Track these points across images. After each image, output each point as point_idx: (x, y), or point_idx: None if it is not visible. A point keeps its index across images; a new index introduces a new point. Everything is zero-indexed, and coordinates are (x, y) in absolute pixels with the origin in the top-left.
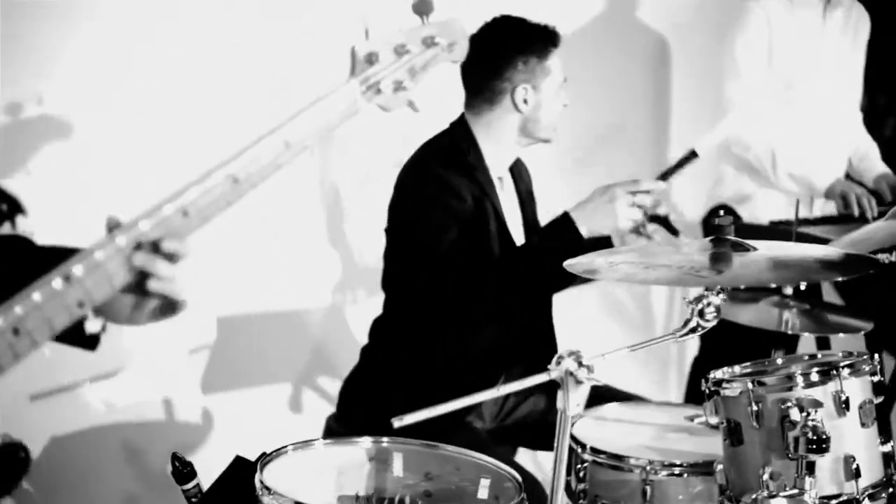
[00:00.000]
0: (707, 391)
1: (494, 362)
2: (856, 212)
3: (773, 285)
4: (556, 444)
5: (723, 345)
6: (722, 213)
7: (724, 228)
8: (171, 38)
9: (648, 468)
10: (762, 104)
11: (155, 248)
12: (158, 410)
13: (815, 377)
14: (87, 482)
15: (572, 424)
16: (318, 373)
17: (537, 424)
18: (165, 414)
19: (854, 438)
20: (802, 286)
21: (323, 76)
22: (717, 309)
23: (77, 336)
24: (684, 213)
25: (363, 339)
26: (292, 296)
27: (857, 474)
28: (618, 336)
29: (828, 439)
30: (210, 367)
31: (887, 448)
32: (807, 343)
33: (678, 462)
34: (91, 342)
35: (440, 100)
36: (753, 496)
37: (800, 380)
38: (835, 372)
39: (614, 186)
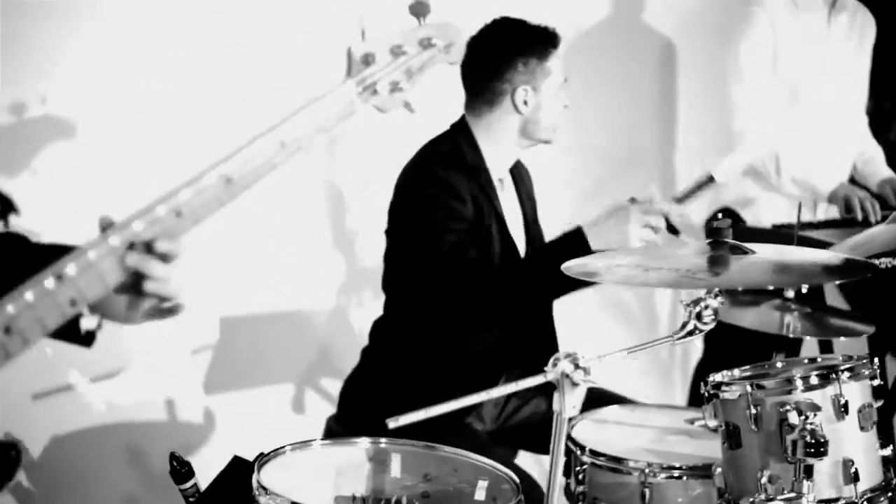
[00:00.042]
0: (706, 394)
1: (494, 364)
2: (859, 216)
3: (771, 288)
4: (552, 446)
5: (726, 348)
6: (721, 216)
7: (722, 231)
8: (170, 39)
9: (647, 471)
10: (766, 108)
11: (148, 248)
12: (160, 410)
13: (814, 381)
14: (87, 482)
15: (572, 427)
16: (322, 374)
17: (539, 427)
18: (167, 414)
19: (853, 442)
20: (804, 289)
21: (322, 76)
22: (715, 312)
23: (73, 333)
24: (688, 216)
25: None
26: (296, 297)
27: (855, 478)
28: (621, 337)
29: (826, 443)
30: (212, 368)
31: (887, 452)
32: (811, 347)
33: (677, 465)
34: (87, 339)
35: (444, 101)
36: (751, 499)
37: (799, 383)
38: (834, 376)
39: (630, 207)
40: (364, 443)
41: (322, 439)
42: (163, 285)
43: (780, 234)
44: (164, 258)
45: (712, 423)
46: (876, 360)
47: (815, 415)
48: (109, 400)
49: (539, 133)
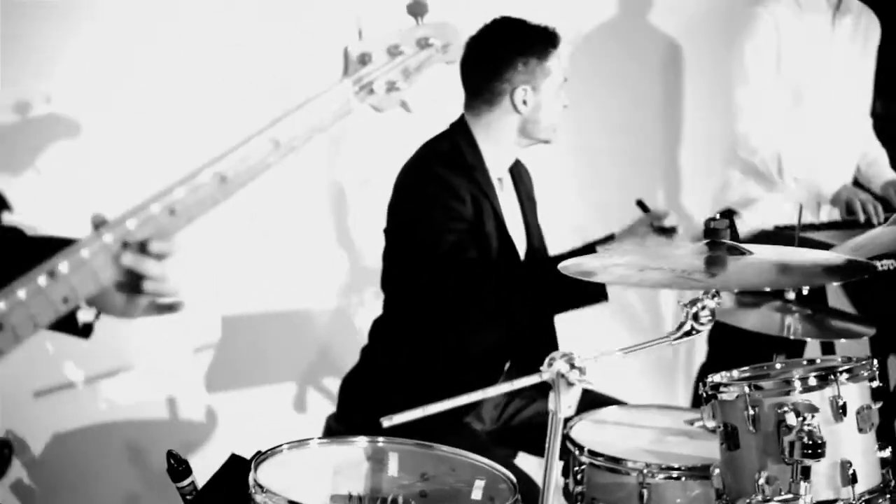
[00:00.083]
0: (705, 395)
1: (494, 363)
2: (861, 218)
3: (768, 289)
4: (547, 446)
5: (730, 351)
6: (718, 216)
7: (720, 232)
8: (169, 38)
9: (645, 471)
10: (770, 110)
11: (142, 248)
12: (162, 409)
13: (812, 382)
14: (89, 480)
15: (571, 427)
16: (324, 373)
17: (541, 429)
18: (169, 413)
19: (851, 444)
20: (805, 291)
21: (322, 76)
22: (712, 312)
23: (71, 325)
24: (692, 217)
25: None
26: (298, 296)
27: (853, 479)
28: (624, 338)
29: (823, 444)
30: (214, 366)
31: (886, 453)
32: (814, 348)
33: (676, 465)
34: (85, 331)
35: (447, 99)
36: (748, 500)
37: (797, 384)
38: (832, 377)
39: (641, 226)
40: (362, 442)
41: (319, 438)
42: (160, 284)
43: (782, 236)
44: (159, 257)
45: (711, 423)
46: (875, 361)
47: (812, 416)
48: (111, 398)
49: (538, 133)
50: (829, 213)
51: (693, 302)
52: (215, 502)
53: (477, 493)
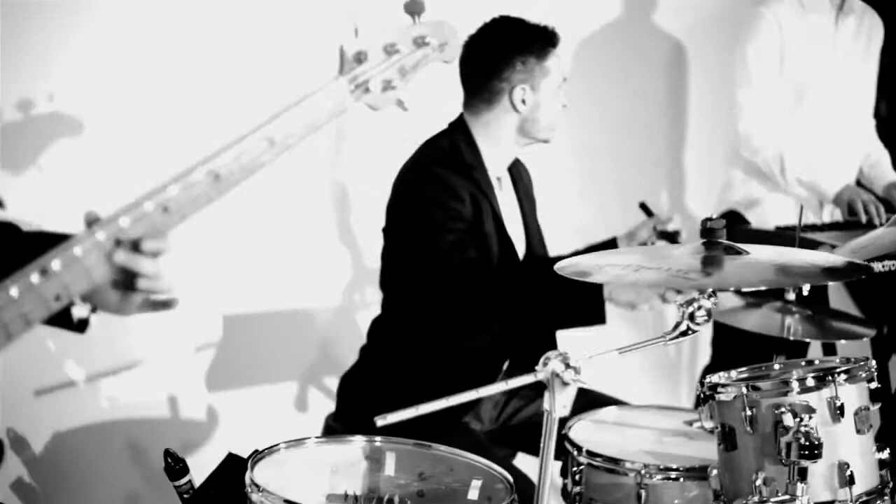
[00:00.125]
0: (702, 395)
1: (492, 363)
2: (863, 218)
3: (763, 288)
4: (542, 445)
5: (734, 352)
6: (714, 216)
7: (716, 231)
8: (167, 37)
9: (643, 472)
10: (772, 110)
11: (135, 246)
12: (163, 408)
13: (810, 383)
14: (90, 478)
15: (569, 427)
16: (325, 372)
17: (539, 429)
18: (170, 411)
19: (849, 445)
20: (805, 292)
21: (318, 74)
22: (708, 312)
23: (66, 320)
24: (697, 219)
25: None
26: (300, 295)
27: (851, 481)
28: (627, 338)
29: (820, 445)
30: (216, 366)
31: (884, 455)
32: (817, 350)
33: (674, 466)
34: (80, 326)
35: (451, 98)
36: (745, 501)
37: (795, 385)
38: (830, 378)
39: (643, 229)
40: (359, 441)
41: (317, 437)
42: (154, 282)
43: (784, 237)
44: (153, 255)
45: (709, 424)
46: (873, 362)
47: (809, 417)
48: (112, 397)
49: (537, 132)
50: (832, 214)
51: (689, 302)
52: (212, 501)
53: (473, 493)
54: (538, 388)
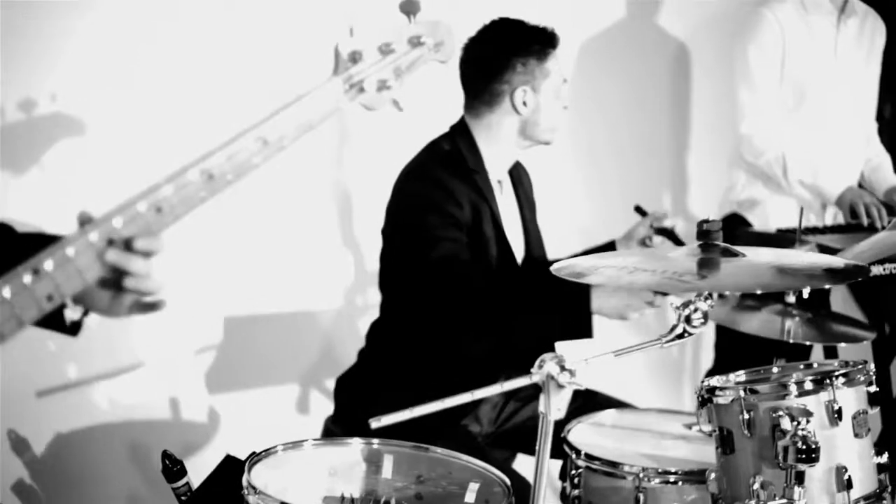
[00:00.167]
0: (701, 398)
1: (491, 367)
2: (864, 221)
3: (759, 292)
4: (537, 447)
5: (736, 355)
6: (711, 218)
7: (712, 234)
8: (163, 37)
9: (642, 475)
10: (774, 111)
11: (127, 245)
12: (164, 410)
13: (808, 386)
14: (91, 480)
15: (568, 431)
16: (327, 375)
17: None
18: (171, 413)
19: (847, 449)
20: (805, 294)
21: (314, 74)
22: (705, 315)
23: (59, 323)
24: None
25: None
26: (303, 297)
27: (848, 485)
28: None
29: (817, 449)
30: (217, 368)
31: (882, 459)
32: (820, 353)
33: (672, 470)
34: (73, 329)
35: (453, 99)
36: None
37: (793, 388)
38: (828, 381)
39: (640, 228)
40: (357, 443)
41: (314, 439)
42: (143, 281)
43: (785, 239)
44: (144, 255)
45: (707, 427)
46: (872, 365)
47: (807, 421)
48: (113, 398)
49: (539, 134)
50: (835, 216)
51: (685, 304)
52: (209, 503)
53: (471, 496)
54: (536, 390)
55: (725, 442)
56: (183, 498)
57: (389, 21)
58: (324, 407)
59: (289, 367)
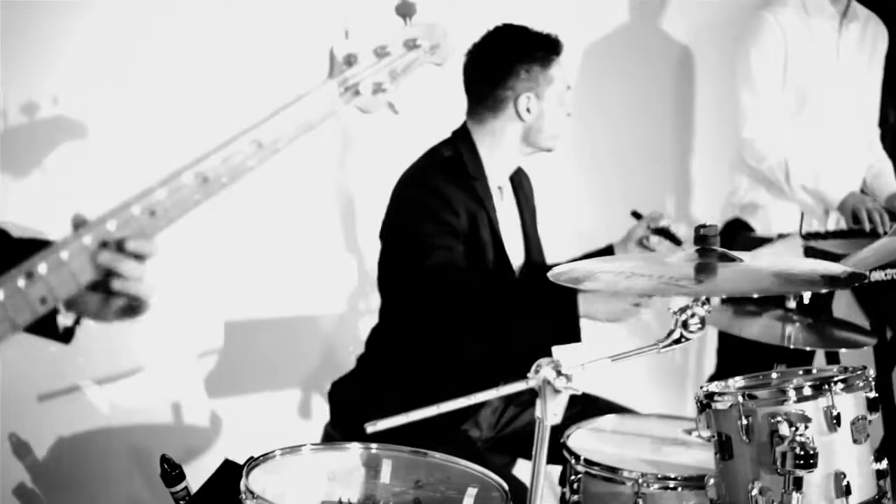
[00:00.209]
0: (700, 404)
1: (488, 372)
2: (867, 226)
3: (755, 296)
4: (534, 452)
5: (738, 360)
6: (707, 223)
7: (709, 238)
8: (161, 40)
9: (641, 481)
10: (776, 115)
11: (120, 247)
12: (166, 414)
13: (806, 392)
14: (92, 484)
15: (568, 436)
16: (329, 379)
17: None
18: (173, 417)
19: (845, 455)
20: (806, 300)
21: (311, 76)
22: (702, 320)
23: (52, 330)
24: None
25: None
26: (306, 301)
27: (847, 491)
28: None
29: (815, 455)
30: (219, 372)
31: (881, 465)
32: (822, 358)
33: (672, 475)
34: (65, 336)
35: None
36: None
37: (792, 394)
38: (827, 387)
39: (638, 230)
40: (356, 448)
41: (313, 444)
42: (132, 284)
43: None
44: (137, 257)
45: (706, 433)
46: (871, 371)
47: (805, 426)
48: (115, 402)
49: (542, 141)
50: (838, 222)
51: (682, 309)
52: None
53: (469, 501)
54: (534, 395)
55: (724, 447)
56: (182, 502)
57: (385, 24)
58: (326, 412)
59: (291, 371)
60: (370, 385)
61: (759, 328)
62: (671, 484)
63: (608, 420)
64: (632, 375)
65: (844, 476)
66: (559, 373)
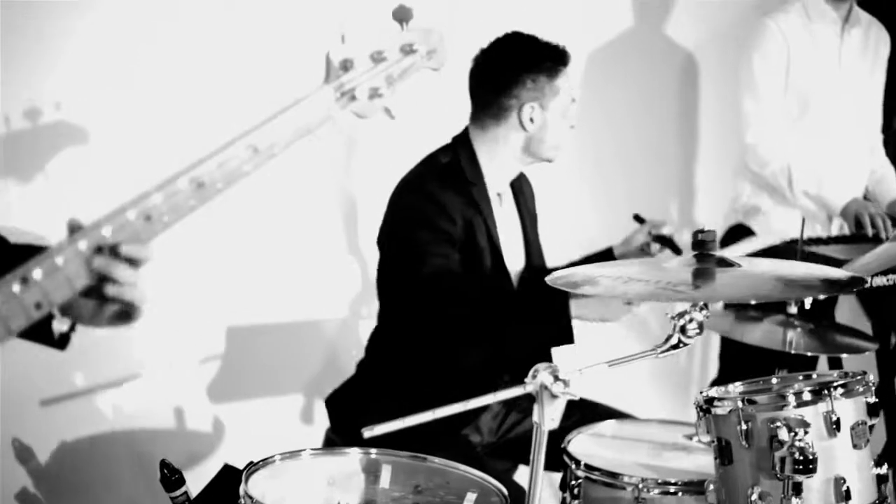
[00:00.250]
0: (699, 409)
1: (486, 377)
2: (869, 232)
3: (753, 302)
4: (531, 458)
5: (740, 365)
6: (705, 228)
7: (707, 244)
8: (159, 43)
9: (641, 486)
10: (778, 120)
11: (115, 252)
12: (169, 419)
13: (806, 397)
14: (95, 489)
15: (568, 441)
16: (332, 385)
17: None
18: (175, 423)
19: (845, 460)
20: (807, 305)
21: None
22: (700, 325)
23: (47, 336)
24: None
25: None
26: (309, 306)
27: (847, 496)
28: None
29: (814, 460)
30: (222, 377)
31: (882, 470)
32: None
33: (672, 480)
34: (61, 342)
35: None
36: None
37: (791, 399)
38: (826, 392)
39: (638, 235)
40: (355, 453)
41: (312, 449)
42: (126, 289)
43: (789, 250)
44: (132, 263)
45: (706, 438)
46: (871, 376)
47: (805, 431)
48: (117, 407)
49: (543, 152)
50: (841, 227)
51: (680, 315)
52: None
53: None
54: (531, 400)
55: (724, 453)
56: None
57: (381, 29)
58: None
59: (293, 377)
60: (369, 390)
61: (760, 333)
62: (671, 489)
63: (609, 425)
64: (635, 380)
65: (844, 481)
66: (556, 378)
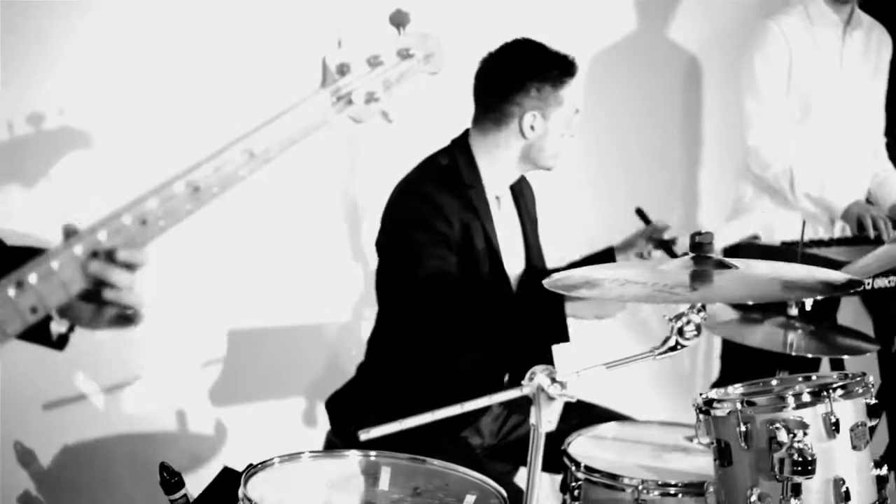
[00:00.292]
0: (698, 411)
1: (485, 379)
2: (871, 234)
3: (750, 303)
4: (529, 460)
5: (741, 367)
6: (703, 230)
7: (704, 246)
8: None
9: (641, 487)
10: (780, 123)
11: (110, 256)
12: (171, 422)
13: (805, 398)
14: (97, 492)
15: (569, 443)
16: (334, 388)
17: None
18: (178, 426)
19: (845, 461)
20: (808, 306)
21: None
22: (698, 327)
23: (46, 337)
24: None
25: None
26: (311, 310)
27: (846, 497)
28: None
29: (813, 462)
30: (224, 380)
31: (881, 471)
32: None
33: (672, 482)
34: (60, 343)
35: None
36: None
37: (790, 401)
38: (825, 393)
39: (640, 238)
40: (354, 455)
41: (311, 451)
42: (123, 294)
43: (790, 252)
44: (128, 267)
45: (705, 440)
46: (871, 377)
47: (804, 433)
48: (119, 411)
49: (542, 160)
50: (843, 230)
51: (678, 316)
52: None
53: None
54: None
55: (723, 454)
56: None
57: (378, 33)
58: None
59: (295, 379)
60: (368, 392)
61: (761, 335)
62: (671, 490)
63: (609, 427)
64: (637, 381)
65: (843, 482)
66: (553, 380)
